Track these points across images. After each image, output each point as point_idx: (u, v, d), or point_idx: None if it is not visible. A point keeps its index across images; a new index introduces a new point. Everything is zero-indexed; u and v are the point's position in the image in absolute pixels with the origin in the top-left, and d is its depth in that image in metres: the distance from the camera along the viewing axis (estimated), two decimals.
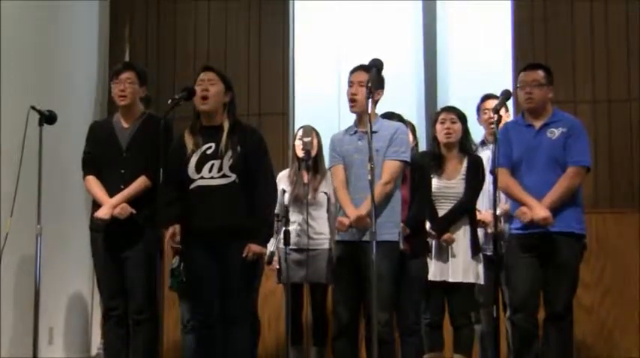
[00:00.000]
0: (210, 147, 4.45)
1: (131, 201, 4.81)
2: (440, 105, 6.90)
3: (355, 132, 4.61)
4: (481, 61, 6.96)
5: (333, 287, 4.78)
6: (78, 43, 6.95)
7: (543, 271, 4.66)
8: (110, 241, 4.83)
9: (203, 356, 4.53)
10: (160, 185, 4.35)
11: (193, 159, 4.45)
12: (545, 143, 4.72)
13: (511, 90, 4.93)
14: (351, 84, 4.58)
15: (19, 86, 5.21)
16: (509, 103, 5.58)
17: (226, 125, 4.47)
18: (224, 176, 4.41)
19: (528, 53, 6.68)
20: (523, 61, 6.67)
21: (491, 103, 5.42)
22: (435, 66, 7.04)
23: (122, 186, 4.84)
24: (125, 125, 4.95)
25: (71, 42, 6.81)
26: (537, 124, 4.78)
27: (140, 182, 4.81)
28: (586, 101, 6.21)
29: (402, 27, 7.19)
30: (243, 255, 4.36)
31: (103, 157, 4.92)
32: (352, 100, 4.56)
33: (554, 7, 6.71)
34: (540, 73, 4.82)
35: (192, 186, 4.44)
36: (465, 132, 5.16)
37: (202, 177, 4.43)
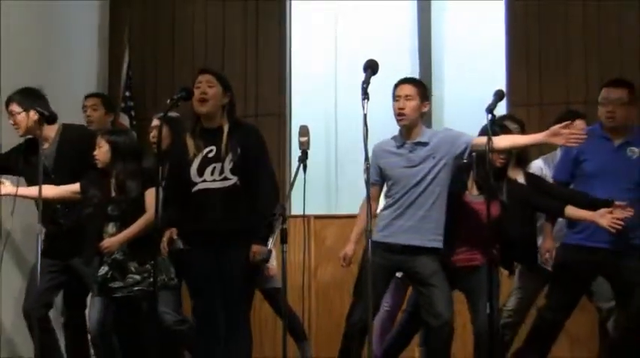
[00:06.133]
0: (211, 151, 4.42)
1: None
2: (435, 104, 6.92)
3: (404, 144, 4.55)
4: (476, 59, 6.94)
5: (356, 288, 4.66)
6: (77, 46, 6.96)
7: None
8: (54, 247, 4.93)
9: (205, 353, 4.52)
10: (163, 187, 4.33)
11: (195, 163, 4.42)
12: (625, 163, 4.63)
13: (504, 90, 4.92)
14: (397, 98, 4.53)
15: (17, 87, 5.21)
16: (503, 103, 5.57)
17: (226, 127, 4.44)
18: (225, 179, 4.39)
19: (522, 52, 6.70)
20: (518, 60, 6.73)
21: (581, 124, 5.03)
22: (430, 66, 7.04)
23: (58, 206, 4.94)
24: (45, 145, 4.97)
25: (70, 45, 6.82)
26: (617, 140, 4.67)
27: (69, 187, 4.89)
28: (579, 102, 6.14)
29: (398, 28, 7.19)
30: (250, 259, 4.34)
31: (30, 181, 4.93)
32: (400, 114, 4.50)
33: (547, 6, 6.72)
34: (624, 91, 4.64)
35: (195, 189, 4.41)
36: None
37: (204, 181, 4.40)
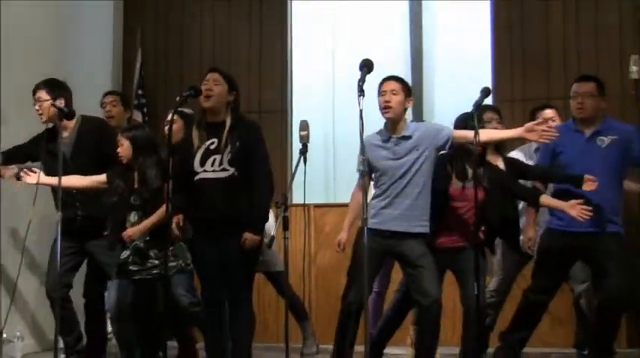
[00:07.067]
0: (213, 143, 4.52)
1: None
2: (425, 103, 7.00)
3: (389, 138, 4.64)
4: (465, 59, 7.02)
5: (350, 271, 4.71)
6: (93, 48, 7.11)
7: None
8: (70, 230, 5.00)
9: (213, 338, 4.63)
10: (170, 178, 4.42)
11: (198, 154, 4.54)
12: (597, 151, 4.76)
13: (490, 86, 5.00)
14: (383, 93, 4.62)
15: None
16: (488, 100, 5.63)
17: (228, 122, 4.53)
18: (224, 169, 4.48)
19: (506, 51, 6.79)
20: (502, 60, 6.82)
21: (550, 113, 5.43)
22: (421, 66, 7.12)
23: (74, 191, 5.03)
24: (65, 134, 5.08)
25: (87, 47, 6.98)
26: (588, 132, 4.82)
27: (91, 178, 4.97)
28: (559, 97, 6.22)
29: (393, 27, 7.24)
30: (241, 245, 4.41)
31: (50, 168, 5.00)
32: (386, 107, 4.60)
33: (530, 9, 6.83)
34: (592, 85, 4.83)
35: (197, 178, 4.53)
36: None
37: (205, 171, 4.51)
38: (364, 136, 4.62)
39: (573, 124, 4.92)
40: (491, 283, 5.36)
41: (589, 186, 4.63)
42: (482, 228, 4.69)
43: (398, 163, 4.59)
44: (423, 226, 4.60)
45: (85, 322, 5.42)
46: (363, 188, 4.22)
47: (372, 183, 4.81)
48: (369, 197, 4.77)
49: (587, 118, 4.84)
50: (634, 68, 4.61)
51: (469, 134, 4.47)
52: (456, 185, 4.73)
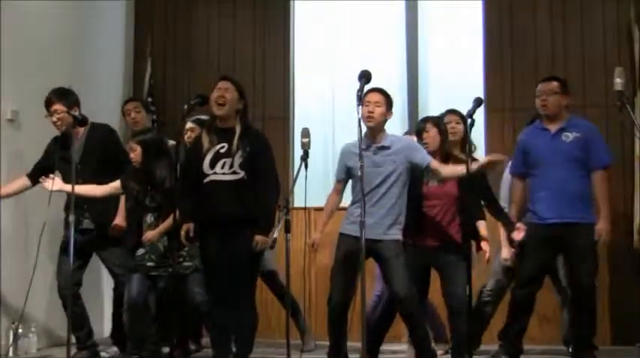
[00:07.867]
0: (223, 147, 4.59)
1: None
2: (421, 107, 7.08)
3: (369, 146, 4.70)
4: (458, 65, 7.07)
5: (333, 272, 4.81)
6: (106, 58, 7.17)
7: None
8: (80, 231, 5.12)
9: (218, 334, 4.71)
10: (178, 179, 4.53)
11: (208, 157, 4.60)
12: (561, 146, 4.91)
13: (482, 97, 5.09)
14: (367, 103, 4.68)
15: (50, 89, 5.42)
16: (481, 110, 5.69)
17: (238, 128, 4.61)
18: (234, 173, 4.56)
19: (498, 62, 6.88)
20: (493, 69, 6.91)
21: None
22: (416, 72, 7.18)
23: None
24: (76, 138, 5.23)
25: (100, 58, 7.06)
26: (553, 129, 4.98)
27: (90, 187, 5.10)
28: None
29: (389, 39, 7.32)
30: (253, 247, 4.50)
31: (64, 174, 5.11)
32: (369, 117, 4.68)
33: (520, 19, 6.94)
34: (555, 84, 5.02)
35: (206, 180, 4.59)
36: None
37: (215, 173, 4.57)
38: (345, 144, 4.90)
39: (540, 124, 5.10)
40: (489, 284, 5.52)
41: (517, 235, 4.91)
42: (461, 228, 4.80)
43: (375, 171, 4.66)
44: (397, 234, 4.69)
45: (113, 311, 5.53)
46: (363, 195, 4.29)
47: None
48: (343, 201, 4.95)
49: (551, 115, 5.01)
50: (618, 80, 4.70)
51: (442, 167, 4.63)
52: (425, 185, 4.85)
